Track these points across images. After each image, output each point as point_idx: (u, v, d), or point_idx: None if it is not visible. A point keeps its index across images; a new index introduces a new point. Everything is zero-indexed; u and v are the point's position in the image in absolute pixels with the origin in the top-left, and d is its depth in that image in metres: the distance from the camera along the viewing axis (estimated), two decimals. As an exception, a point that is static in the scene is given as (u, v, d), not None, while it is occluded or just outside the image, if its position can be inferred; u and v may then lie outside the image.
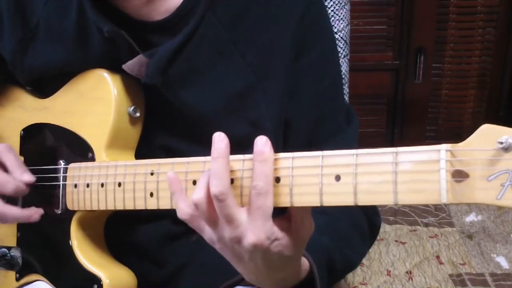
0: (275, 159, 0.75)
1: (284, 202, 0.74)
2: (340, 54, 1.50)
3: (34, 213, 1.07)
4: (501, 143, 0.58)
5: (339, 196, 0.69)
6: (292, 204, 0.73)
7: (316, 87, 1.05)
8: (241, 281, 1.03)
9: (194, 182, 0.83)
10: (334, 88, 1.10)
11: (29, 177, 1.05)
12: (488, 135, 0.60)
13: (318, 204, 0.71)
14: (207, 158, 0.83)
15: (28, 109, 1.17)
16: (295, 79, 1.03)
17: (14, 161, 1.06)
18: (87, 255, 1.04)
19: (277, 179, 0.75)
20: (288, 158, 0.74)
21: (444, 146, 0.62)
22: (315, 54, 1.04)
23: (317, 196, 0.71)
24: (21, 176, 1.04)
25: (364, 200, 0.67)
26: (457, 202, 0.61)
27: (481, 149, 0.60)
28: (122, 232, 1.10)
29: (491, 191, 0.59)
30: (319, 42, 1.05)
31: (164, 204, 0.88)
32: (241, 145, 1.00)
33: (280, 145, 1.05)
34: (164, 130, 1.06)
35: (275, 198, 0.75)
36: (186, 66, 0.98)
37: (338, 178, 0.69)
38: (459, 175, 0.61)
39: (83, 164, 1.02)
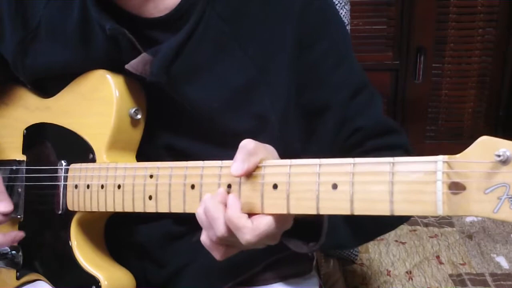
0: (273, 166, 0.76)
1: (281, 209, 0.75)
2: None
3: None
4: (499, 156, 0.57)
5: (335, 204, 0.69)
6: (289, 211, 0.74)
7: (338, 70, 1.05)
8: (243, 282, 1.04)
9: (193, 186, 0.84)
10: (354, 65, 1.10)
11: (5, 208, 1.06)
12: (486, 147, 0.60)
13: (315, 212, 0.71)
14: (206, 163, 0.83)
15: (31, 109, 1.17)
16: (310, 70, 1.03)
17: None
18: (86, 256, 1.04)
19: (275, 186, 0.75)
20: (285, 166, 0.74)
21: (441, 158, 0.62)
22: (327, 42, 1.04)
23: (314, 204, 0.71)
24: None
25: (360, 209, 0.67)
26: (453, 214, 0.60)
27: (478, 161, 0.60)
28: (124, 232, 1.11)
29: (487, 204, 0.59)
30: (328, 30, 1.05)
31: (163, 208, 0.89)
32: (245, 139, 1.00)
33: (287, 137, 1.05)
34: (167, 129, 1.07)
35: (272, 205, 0.75)
36: (189, 62, 0.99)
37: (335, 186, 0.69)
38: (455, 187, 0.61)
39: (84, 165, 1.03)
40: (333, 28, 1.07)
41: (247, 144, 0.79)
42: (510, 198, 0.57)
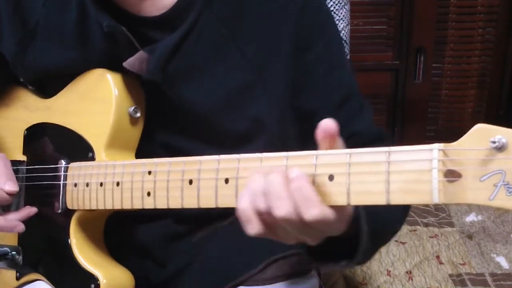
0: (270, 158, 0.76)
1: None
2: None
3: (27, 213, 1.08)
4: (494, 142, 0.57)
5: (332, 196, 0.69)
6: None
7: (330, 75, 1.05)
8: (243, 282, 1.04)
9: (191, 182, 0.84)
10: (346, 72, 1.10)
11: (11, 187, 1.05)
12: (481, 135, 0.60)
13: None
14: (203, 158, 0.83)
15: (31, 109, 1.17)
16: (305, 72, 1.03)
17: (1, 170, 1.07)
18: (86, 255, 1.04)
19: None
20: (282, 158, 0.74)
21: (436, 146, 0.62)
22: (322, 45, 1.04)
23: None
24: (3, 185, 1.05)
25: (357, 200, 0.67)
26: (449, 202, 0.60)
27: (474, 148, 0.60)
28: (125, 232, 1.11)
29: (483, 191, 0.59)
30: (324, 33, 1.05)
31: (161, 204, 0.88)
32: (242, 140, 1.00)
33: (287, 138, 1.05)
34: (165, 127, 1.07)
35: None
36: (186, 62, 0.99)
37: (331, 177, 0.69)
38: (451, 175, 0.61)
39: (83, 163, 1.03)
40: (329, 31, 1.08)
41: None
42: (506, 185, 0.57)
